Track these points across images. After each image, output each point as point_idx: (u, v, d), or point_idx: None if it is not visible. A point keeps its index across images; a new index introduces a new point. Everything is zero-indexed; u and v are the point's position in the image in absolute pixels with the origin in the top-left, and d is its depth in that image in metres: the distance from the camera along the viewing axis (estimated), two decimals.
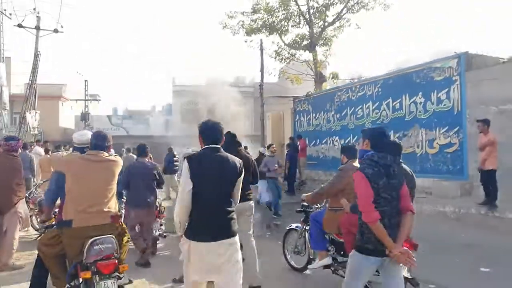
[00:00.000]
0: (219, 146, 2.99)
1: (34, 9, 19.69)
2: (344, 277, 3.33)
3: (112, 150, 3.82)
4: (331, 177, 4.58)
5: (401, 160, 3.42)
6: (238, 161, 3.03)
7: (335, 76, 18.19)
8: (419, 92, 10.45)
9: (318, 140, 14.84)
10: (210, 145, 2.97)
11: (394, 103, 11.33)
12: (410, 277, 3.65)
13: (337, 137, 13.86)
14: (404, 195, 2.98)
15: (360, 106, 12.71)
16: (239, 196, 3.11)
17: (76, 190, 3.29)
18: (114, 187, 3.49)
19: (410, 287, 3.62)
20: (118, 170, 3.56)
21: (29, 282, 4.45)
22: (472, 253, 5.82)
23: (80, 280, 3.25)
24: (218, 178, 2.89)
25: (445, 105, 9.74)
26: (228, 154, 3.03)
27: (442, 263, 5.37)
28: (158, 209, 6.05)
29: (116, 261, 3.23)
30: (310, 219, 4.77)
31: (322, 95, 15.38)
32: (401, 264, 2.93)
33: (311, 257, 4.94)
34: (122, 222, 3.73)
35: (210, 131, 3.00)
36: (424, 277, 4.72)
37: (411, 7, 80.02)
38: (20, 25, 19.01)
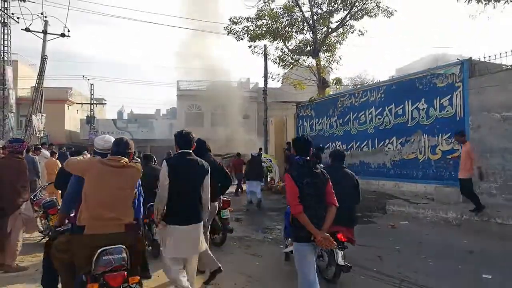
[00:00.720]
0: (190, 151, 3.91)
1: (42, 13, 19.92)
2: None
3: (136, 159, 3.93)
4: None
5: (343, 165, 5.00)
6: (205, 163, 3.98)
7: (338, 82, 18.24)
8: (422, 98, 10.49)
9: (321, 146, 14.85)
10: (183, 150, 3.88)
11: (396, 109, 11.36)
12: (343, 264, 4.48)
13: (339, 142, 13.89)
14: (328, 192, 3.51)
15: (363, 112, 12.74)
16: (209, 191, 4.00)
17: (92, 194, 3.17)
18: (132, 194, 3.41)
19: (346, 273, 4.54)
20: (138, 177, 3.50)
21: (33, 284, 4.52)
22: (474, 259, 5.82)
23: None
24: (189, 176, 3.81)
25: (447, 111, 9.77)
26: (197, 158, 3.95)
27: (443, 269, 5.38)
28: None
29: (126, 273, 3.06)
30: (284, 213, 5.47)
31: (325, 101, 15.44)
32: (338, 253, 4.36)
33: (287, 244, 5.51)
34: (140, 231, 3.72)
35: (182, 139, 3.89)
36: (425, 283, 4.74)
37: (414, 13, 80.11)
38: (27, 29, 19.22)
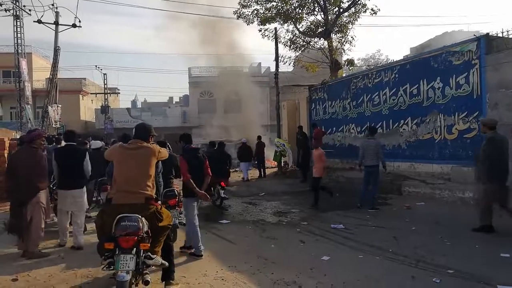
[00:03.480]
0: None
1: (53, 4, 20.05)
2: None
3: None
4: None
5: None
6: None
7: (350, 63, 17.95)
8: (437, 77, 10.24)
9: (334, 128, 14.75)
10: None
11: (411, 89, 11.14)
12: (223, 196, 9.15)
13: (353, 125, 13.74)
14: (205, 167, 5.50)
15: (377, 93, 12.54)
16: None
17: (117, 173, 3.77)
18: (149, 171, 3.79)
19: None
20: (153, 156, 3.85)
21: (55, 269, 4.68)
22: (491, 239, 5.75)
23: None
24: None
25: (464, 89, 9.53)
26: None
27: (460, 249, 5.35)
28: (177, 198, 6.18)
29: (136, 238, 3.40)
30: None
31: (337, 83, 15.22)
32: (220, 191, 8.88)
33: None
34: (159, 204, 3.91)
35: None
36: (442, 263, 4.72)
37: None
38: (39, 21, 19.37)
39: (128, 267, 3.34)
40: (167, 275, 4.08)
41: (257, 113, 27.45)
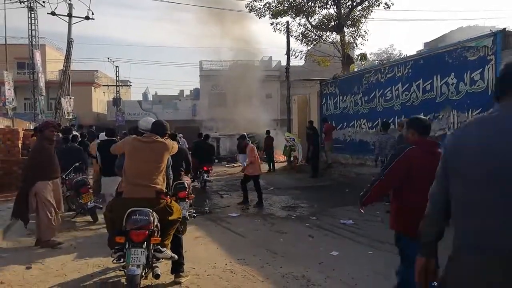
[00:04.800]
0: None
1: None
2: None
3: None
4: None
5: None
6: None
7: (363, 58, 17.75)
8: (451, 72, 10.06)
9: (345, 123, 14.63)
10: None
11: (424, 85, 10.98)
12: (208, 179, 10.34)
13: (364, 120, 13.61)
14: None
15: (389, 88, 12.39)
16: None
17: (128, 166, 3.76)
18: (161, 166, 3.82)
19: None
20: (166, 151, 3.89)
21: (68, 258, 4.76)
22: None
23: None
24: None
25: (478, 85, 9.37)
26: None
27: None
28: (187, 190, 6.23)
29: (147, 232, 3.42)
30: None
31: (349, 77, 15.07)
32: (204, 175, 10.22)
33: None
34: (169, 198, 3.95)
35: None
36: None
37: None
38: (53, 13, 19.52)
39: (139, 261, 3.38)
40: (177, 267, 4.11)
41: (267, 107, 27.40)
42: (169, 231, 3.83)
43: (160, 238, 3.61)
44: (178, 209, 3.98)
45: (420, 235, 1.85)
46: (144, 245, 3.43)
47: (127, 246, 3.44)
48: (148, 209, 3.52)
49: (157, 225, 3.60)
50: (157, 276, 3.62)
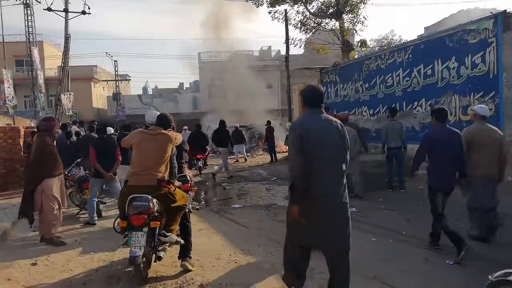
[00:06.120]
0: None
1: None
2: None
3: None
4: None
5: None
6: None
7: (363, 44, 17.61)
8: (452, 56, 9.97)
9: (347, 111, 14.54)
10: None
11: (425, 70, 10.89)
12: (201, 165, 11.95)
13: (366, 107, 13.56)
14: (117, 153, 6.59)
15: (390, 74, 12.30)
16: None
17: (134, 156, 4.02)
18: (165, 156, 4.03)
19: None
20: (169, 143, 4.09)
21: (72, 253, 4.77)
22: (509, 219, 5.66)
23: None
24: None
25: (480, 69, 9.28)
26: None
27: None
28: (189, 183, 6.23)
29: (146, 216, 3.68)
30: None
31: (349, 65, 14.98)
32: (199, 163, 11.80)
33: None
34: (172, 186, 4.09)
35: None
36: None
37: None
38: (49, 9, 19.42)
39: (139, 243, 3.64)
40: (184, 252, 4.29)
41: (268, 97, 27.28)
42: (176, 217, 4.08)
43: (158, 223, 3.86)
44: (183, 196, 4.17)
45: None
46: (145, 229, 3.68)
47: (129, 230, 3.71)
48: (147, 195, 3.74)
49: (158, 210, 3.84)
50: (159, 258, 3.89)
